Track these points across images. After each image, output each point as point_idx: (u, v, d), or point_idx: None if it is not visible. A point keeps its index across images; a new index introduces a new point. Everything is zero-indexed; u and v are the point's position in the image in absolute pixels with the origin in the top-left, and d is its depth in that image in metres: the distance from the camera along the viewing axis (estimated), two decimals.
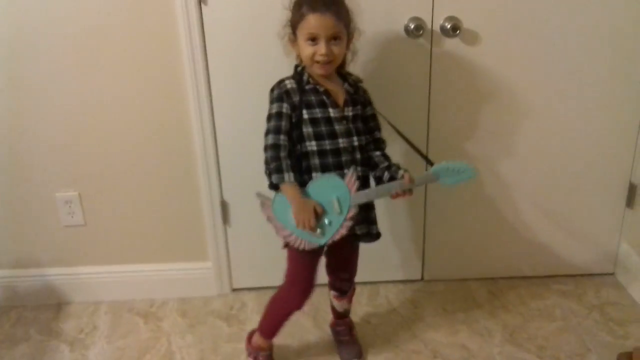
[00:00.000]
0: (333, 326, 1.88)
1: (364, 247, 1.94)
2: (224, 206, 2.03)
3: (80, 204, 2.01)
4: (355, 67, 1.65)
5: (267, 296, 1.71)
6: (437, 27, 1.81)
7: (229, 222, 2.06)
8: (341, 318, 1.85)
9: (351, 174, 1.48)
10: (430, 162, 1.57)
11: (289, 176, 1.45)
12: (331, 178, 1.49)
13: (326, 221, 1.48)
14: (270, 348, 1.75)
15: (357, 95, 1.56)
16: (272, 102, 1.50)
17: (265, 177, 1.53)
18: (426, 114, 1.93)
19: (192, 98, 1.86)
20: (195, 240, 2.08)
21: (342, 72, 1.57)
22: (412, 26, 1.77)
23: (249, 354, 1.77)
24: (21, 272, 2.10)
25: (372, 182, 1.61)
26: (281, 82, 1.51)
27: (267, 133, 1.48)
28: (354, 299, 1.84)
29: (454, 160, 1.51)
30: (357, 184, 1.48)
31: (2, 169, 1.96)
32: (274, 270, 1.70)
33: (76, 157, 1.95)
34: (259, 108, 1.55)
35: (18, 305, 2.12)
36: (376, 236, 1.62)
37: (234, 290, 2.16)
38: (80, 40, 1.80)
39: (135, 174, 1.98)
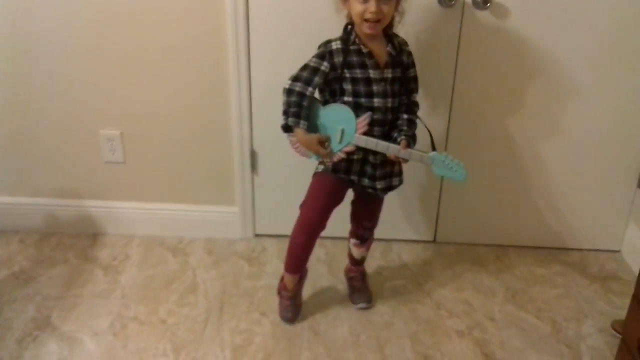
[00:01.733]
0: (347, 272, 2.01)
1: None
2: (254, 155, 2.17)
3: (122, 142, 2.17)
4: None
5: (286, 243, 1.84)
6: None
7: (257, 171, 2.19)
8: (356, 265, 1.98)
9: (365, 117, 1.61)
10: (433, 147, 1.67)
11: (304, 124, 1.62)
12: (348, 111, 1.62)
13: (325, 143, 1.65)
14: (294, 290, 1.86)
15: (400, 57, 1.66)
16: (314, 56, 1.62)
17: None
18: (452, 82, 2.02)
19: (231, 49, 1.99)
20: (224, 185, 2.23)
21: (388, 33, 1.65)
22: None
23: (277, 292, 1.90)
24: (63, 201, 2.28)
25: None
26: (328, 42, 1.62)
27: (296, 79, 1.61)
28: (370, 250, 1.97)
29: (453, 159, 1.62)
30: (366, 127, 1.61)
31: (53, 104, 2.11)
32: (295, 220, 1.83)
33: (120, 99, 2.10)
34: (295, 63, 1.65)
35: (58, 232, 2.29)
36: (396, 186, 1.76)
37: (257, 235, 2.30)
38: None
39: (174, 118, 2.12)
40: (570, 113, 2.05)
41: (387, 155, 1.64)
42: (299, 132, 1.63)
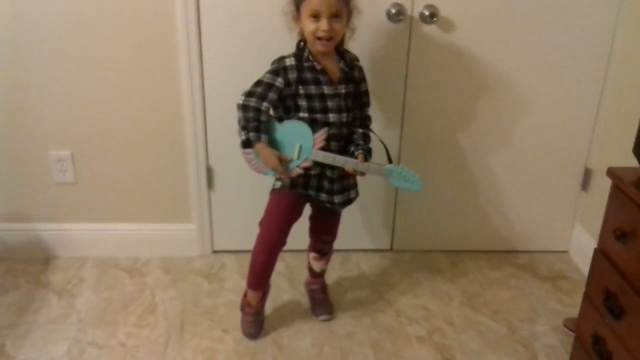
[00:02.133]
0: (308, 285, 2.02)
1: None
2: (209, 171, 2.16)
3: (72, 163, 2.12)
4: None
5: (246, 259, 1.84)
6: (416, 14, 1.95)
7: (213, 186, 2.19)
8: (316, 277, 2.00)
9: (322, 132, 1.63)
10: (390, 160, 1.71)
11: (265, 137, 1.62)
12: (304, 127, 1.64)
13: (283, 159, 1.66)
14: (257, 307, 1.86)
15: (352, 73, 1.69)
16: (268, 72, 1.63)
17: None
18: (402, 94, 2.07)
19: (184, 66, 1.98)
20: (180, 202, 2.21)
21: (340, 50, 1.68)
22: (394, 11, 1.92)
23: (240, 308, 1.89)
24: (11, 225, 2.20)
25: None
26: (282, 58, 1.64)
27: (250, 94, 1.62)
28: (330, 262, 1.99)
29: (409, 170, 1.66)
30: (323, 143, 1.64)
31: (1, 126, 2.05)
32: (254, 235, 1.83)
33: (71, 118, 2.06)
34: (249, 79, 1.66)
35: (7, 258, 2.22)
36: (353, 199, 1.79)
37: (215, 252, 2.29)
38: (76, 4, 1.90)
39: (126, 137, 2.10)
40: (516, 122, 2.14)
41: (345, 169, 1.66)
42: (260, 146, 1.63)
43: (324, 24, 1.55)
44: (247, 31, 1.95)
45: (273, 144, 1.67)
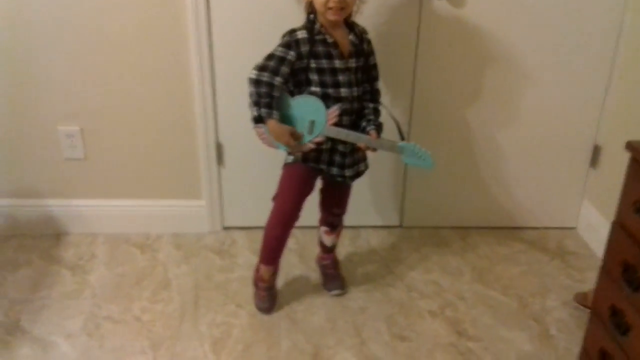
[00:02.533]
0: (320, 260, 2.03)
1: None
2: (219, 147, 2.16)
3: (82, 138, 2.11)
4: None
5: (256, 235, 1.85)
6: None
7: (223, 163, 2.19)
8: (328, 253, 2.01)
9: (336, 108, 1.63)
10: (402, 137, 1.71)
11: (276, 114, 1.61)
12: (318, 102, 1.63)
13: (296, 134, 1.66)
14: (270, 281, 1.87)
15: (362, 46, 1.68)
16: (279, 45, 1.61)
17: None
18: (412, 70, 2.07)
19: (193, 41, 1.97)
20: (190, 178, 2.21)
21: (348, 22, 1.67)
22: None
23: (253, 283, 1.91)
24: (22, 201, 2.20)
25: None
26: (293, 31, 1.62)
27: (262, 68, 1.59)
28: (340, 237, 2.00)
29: (421, 148, 1.67)
30: (336, 119, 1.64)
31: (8, 101, 2.04)
32: (264, 211, 1.84)
33: (80, 93, 2.04)
34: (258, 54, 1.64)
35: (18, 234, 2.22)
36: (363, 172, 1.80)
37: (225, 228, 2.30)
38: None
39: (136, 112, 2.09)
40: (525, 98, 2.13)
41: (358, 145, 1.67)
42: (272, 122, 1.62)
43: None
44: (257, 3, 1.93)
45: (285, 118, 1.66)
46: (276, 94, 1.61)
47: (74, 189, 2.20)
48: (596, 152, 2.23)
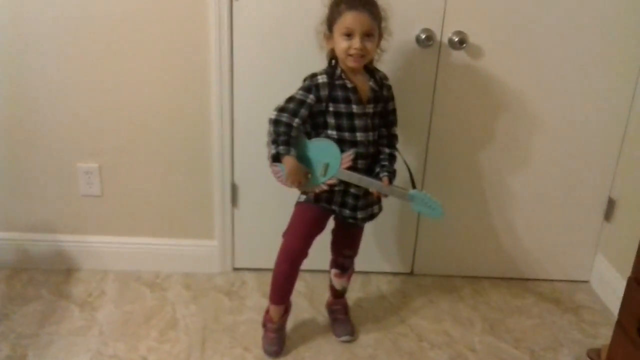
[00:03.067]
0: (330, 306, 2.02)
1: None
2: (234, 189, 2.17)
3: (99, 175, 2.14)
4: None
5: (267, 277, 1.84)
6: (445, 40, 1.97)
7: (237, 204, 2.20)
8: (338, 297, 2.00)
9: (350, 152, 1.66)
10: (414, 185, 1.73)
11: (294, 151, 1.65)
12: (333, 147, 1.67)
13: (309, 175, 1.70)
14: (279, 322, 1.85)
15: (382, 91, 1.72)
16: (300, 89, 1.67)
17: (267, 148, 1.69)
18: (428, 118, 2.09)
19: (215, 84, 2.01)
20: (203, 218, 2.22)
21: (370, 68, 1.72)
22: (423, 36, 1.94)
23: (262, 324, 1.89)
24: (35, 235, 2.22)
25: None
26: (314, 75, 1.67)
27: (282, 110, 1.65)
28: (350, 281, 1.99)
29: (432, 197, 1.69)
30: (350, 163, 1.66)
31: (29, 136, 2.08)
32: (275, 253, 1.84)
33: (99, 131, 2.08)
34: (277, 99, 1.69)
35: (29, 268, 2.23)
36: (377, 214, 1.81)
37: (236, 269, 2.29)
38: (110, 19, 1.93)
39: (154, 151, 2.12)
40: (540, 149, 2.15)
41: (369, 190, 1.69)
42: (289, 158, 1.65)
43: (356, 42, 1.58)
44: (278, 51, 1.98)
45: (301, 159, 1.69)
46: (294, 134, 1.65)
47: (88, 225, 2.22)
48: (610, 205, 2.22)
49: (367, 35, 1.59)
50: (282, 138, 1.64)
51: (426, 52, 1.99)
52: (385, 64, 1.93)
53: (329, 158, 1.68)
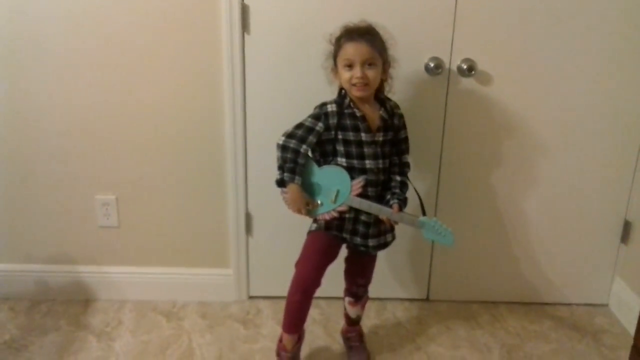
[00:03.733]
0: (345, 333, 2.02)
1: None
2: (248, 218, 2.20)
3: (117, 207, 2.18)
4: None
5: (282, 305, 1.84)
6: (454, 67, 2.00)
7: (252, 233, 2.22)
8: (353, 325, 2.00)
9: (361, 179, 1.68)
10: (424, 212, 1.74)
11: (298, 179, 1.68)
12: (343, 173, 1.69)
13: (319, 202, 1.72)
14: (293, 350, 1.84)
15: (392, 120, 1.74)
16: (310, 116, 1.70)
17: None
18: (440, 145, 2.11)
19: (228, 116, 2.05)
20: (218, 248, 2.24)
21: (381, 97, 1.75)
22: (432, 65, 1.97)
23: (276, 353, 1.89)
24: (54, 267, 2.25)
25: None
26: (324, 104, 1.71)
27: (290, 136, 1.69)
28: (365, 308, 1.98)
29: (442, 224, 1.68)
30: (360, 190, 1.68)
31: (49, 171, 2.13)
32: (289, 281, 1.84)
33: (116, 163, 2.13)
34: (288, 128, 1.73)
35: (48, 299, 2.26)
36: (389, 243, 1.81)
37: (251, 297, 2.30)
38: (128, 56, 1.99)
39: (169, 182, 2.15)
40: (552, 172, 2.14)
41: (379, 217, 1.70)
42: (292, 186, 1.69)
43: (357, 71, 1.62)
44: (289, 83, 2.01)
45: (312, 186, 1.72)
46: (301, 160, 1.68)
47: (106, 255, 2.25)
48: (627, 227, 2.20)
49: (367, 64, 1.63)
50: (288, 165, 1.68)
51: (435, 80, 2.01)
52: (395, 93, 1.95)
53: (339, 185, 1.70)
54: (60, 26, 1.95)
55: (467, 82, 2.02)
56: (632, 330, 2.10)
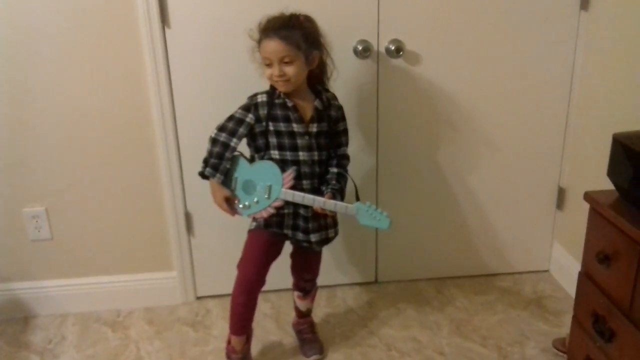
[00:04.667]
0: (296, 326, 2.00)
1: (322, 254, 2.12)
2: (188, 217, 2.14)
3: (47, 219, 2.08)
4: None
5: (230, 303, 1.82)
6: (382, 49, 1.98)
7: (193, 232, 2.17)
8: (303, 317, 1.99)
9: (290, 171, 1.65)
10: (357, 198, 1.71)
11: (219, 177, 1.67)
12: (273, 167, 1.66)
13: (255, 199, 1.68)
14: (243, 351, 1.82)
15: (328, 111, 1.71)
16: (240, 107, 1.67)
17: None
18: (375, 127, 2.10)
19: (156, 114, 1.98)
20: (160, 250, 2.18)
21: (318, 89, 1.71)
22: (360, 48, 1.95)
23: (226, 355, 1.86)
24: None
25: None
26: (254, 95, 1.68)
27: (221, 129, 1.66)
28: (315, 299, 1.98)
29: (377, 209, 1.64)
30: (292, 182, 1.65)
31: None
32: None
33: (43, 173, 2.02)
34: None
35: None
36: (332, 239, 1.78)
37: (198, 298, 2.26)
38: (46, 58, 1.89)
39: (101, 187, 2.07)
40: (486, 144, 2.18)
41: (314, 208, 1.66)
42: (213, 183, 1.68)
43: (275, 70, 1.59)
44: (217, 75, 1.96)
45: (246, 184, 1.69)
46: (228, 155, 1.66)
47: (42, 270, 2.15)
48: (561, 194, 2.26)
49: (284, 62, 1.58)
50: (213, 160, 1.66)
51: (365, 63, 1.99)
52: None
53: (271, 180, 1.66)
54: None
55: (397, 63, 2.01)
56: (573, 294, 2.17)
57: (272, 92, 1.66)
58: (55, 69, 1.91)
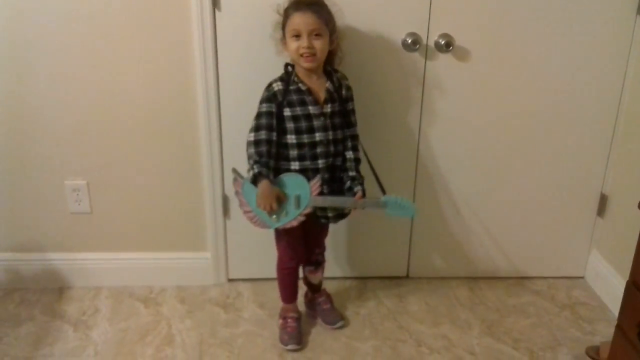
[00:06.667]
0: (312, 301, 2.06)
1: (353, 245, 2.15)
2: (225, 200, 2.15)
3: (88, 192, 2.11)
4: (353, 74, 1.84)
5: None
6: (431, 43, 1.96)
7: (229, 215, 2.18)
8: (318, 291, 2.06)
9: (317, 180, 1.72)
10: (383, 191, 1.78)
11: (271, 175, 1.69)
12: (299, 178, 1.72)
13: (284, 211, 1.75)
14: (297, 311, 1.97)
15: (340, 91, 1.75)
16: (261, 102, 1.72)
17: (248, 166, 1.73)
18: (418, 122, 2.07)
19: (201, 97, 1.99)
20: (195, 231, 2.20)
21: (328, 70, 1.76)
22: (409, 40, 1.93)
23: (281, 318, 1.96)
24: (25, 255, 2.19)
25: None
26: (269, 85, 1.72)
27: (258, 128, 1.69)
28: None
29: (402, 197, 1.74)
30: (319, 189, 1.72)
31: (15, 156, 2.05)
32: (268, 263, 1.85)
33: (86, 148, 2.05)
34: None
35: (21, 288, 2.20)
36: (348, 214, 1.86)
37: (230, 280, 2.27)
38: (94, 35, 1.91)
39: (143, 166, 2.09)
40: (531, 147, 2.14)
41: (345, 209, 1.78)
42: (265, 184, 1.69)
43: (304, 41, 1.64)
44: (264, 61, 1.94)
45: None
46: (274, 150, 1.69)
47: (79, 242, 2.19)
48: (603, 201, 2.22)
49: (315, 34, 1.64)
50: (263, 159, 1.68)
51: (413, 56, 1.97)
52: (372, 70, 1.92)
53: (298, 190, 1.73)
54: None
55: (445, 58, 1.99)
56: (608, 303, 2.15)
57: (286, 79, 1.71)
58: (102, 49, 1.92)
